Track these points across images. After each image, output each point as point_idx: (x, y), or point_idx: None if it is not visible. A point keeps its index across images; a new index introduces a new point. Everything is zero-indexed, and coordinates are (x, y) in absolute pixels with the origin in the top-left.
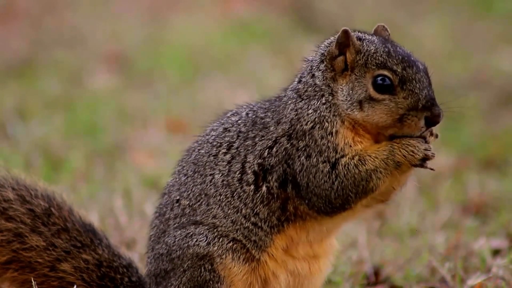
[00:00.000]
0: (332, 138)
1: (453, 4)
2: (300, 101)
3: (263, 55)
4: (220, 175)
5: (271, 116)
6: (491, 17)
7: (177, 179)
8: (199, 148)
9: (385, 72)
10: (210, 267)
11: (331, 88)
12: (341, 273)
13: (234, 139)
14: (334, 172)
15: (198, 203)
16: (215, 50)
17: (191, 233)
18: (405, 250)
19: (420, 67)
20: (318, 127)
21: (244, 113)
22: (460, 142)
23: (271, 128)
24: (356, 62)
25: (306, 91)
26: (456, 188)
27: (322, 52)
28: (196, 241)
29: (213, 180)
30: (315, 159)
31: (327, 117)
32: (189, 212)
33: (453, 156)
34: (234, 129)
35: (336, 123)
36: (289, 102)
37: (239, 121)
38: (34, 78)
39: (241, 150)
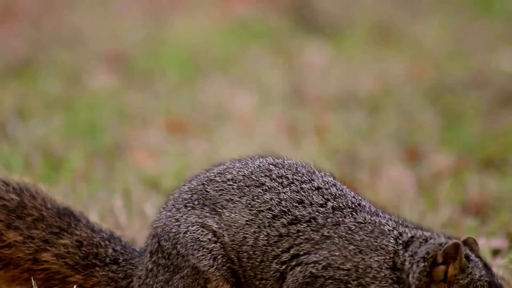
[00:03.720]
0: None
1: (453, 4)
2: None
3: (263, 55)
4: (265, 237)
5: (358, 240)
6: (491, 17)
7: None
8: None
9: None
10: (203, 283)
11: None
12: None
13: (303, 219)
14: None
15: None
16: (215, 50)
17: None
18: None
19: None
20: None
21: (347, 201)
22: (460, 142)
23: (344, 251)
24: (457, 280)
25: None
26: (456, 188)
27: (428, 251)
28: (202, 255)
29: (255, 235)
30: None
31: None
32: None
33: (453, 156)
34: (315, 205)
35: None
36: (383, 264)
37: (329, 204)
38: (34, 78)
39: (301, 237)
